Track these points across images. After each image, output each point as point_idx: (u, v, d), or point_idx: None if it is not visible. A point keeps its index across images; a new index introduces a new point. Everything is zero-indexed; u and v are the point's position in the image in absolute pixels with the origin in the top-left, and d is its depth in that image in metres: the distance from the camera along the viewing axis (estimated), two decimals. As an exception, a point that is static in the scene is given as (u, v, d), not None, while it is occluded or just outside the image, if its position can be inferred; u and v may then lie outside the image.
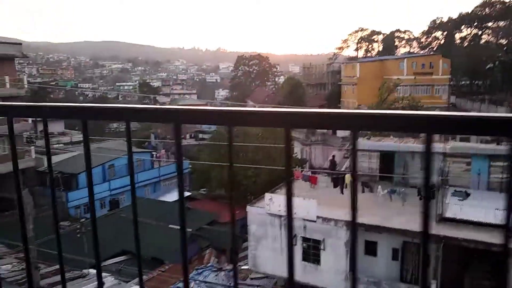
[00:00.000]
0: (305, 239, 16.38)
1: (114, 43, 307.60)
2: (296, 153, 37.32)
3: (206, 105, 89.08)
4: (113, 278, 18.27)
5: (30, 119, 31.89)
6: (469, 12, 72.65)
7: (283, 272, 17.88)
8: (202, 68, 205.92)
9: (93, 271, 18.86)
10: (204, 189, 39.43)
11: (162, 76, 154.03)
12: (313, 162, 34.17)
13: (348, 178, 17.49)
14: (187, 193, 38.90)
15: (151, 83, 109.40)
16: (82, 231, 17.74)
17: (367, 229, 16.59)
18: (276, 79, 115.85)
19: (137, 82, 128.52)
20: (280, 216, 16.68)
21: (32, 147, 30.30)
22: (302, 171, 18.37)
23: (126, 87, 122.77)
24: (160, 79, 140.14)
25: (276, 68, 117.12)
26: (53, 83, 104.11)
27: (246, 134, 36.65)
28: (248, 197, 32.38)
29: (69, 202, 32.26)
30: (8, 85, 28.72)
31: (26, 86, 31.18)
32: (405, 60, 56.86)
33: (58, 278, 16.31)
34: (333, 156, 22.30)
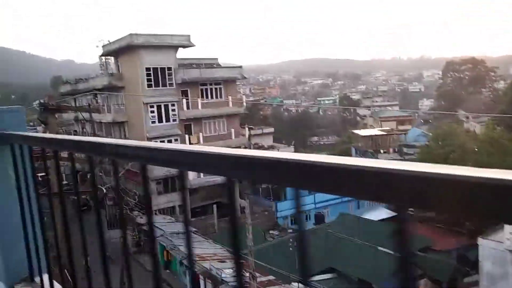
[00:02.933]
0: None
1: (315, 60, 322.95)
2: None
3: (410, 117, 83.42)
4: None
5: (246, 134, 35.17)
6: None
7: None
8: (403, 78, 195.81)
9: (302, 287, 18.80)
10: (412, 209, 36.12)
11: (361, 88, 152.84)
12: None
13: None
14: (391, 213, 36.42)
15: (351, 96, 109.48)
16: (294, 245, 17.94)
17: None
18: (495, 85, 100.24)
19: (337, 96, 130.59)
20: (530, 257, 13.26)
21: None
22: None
23: (326, 101, 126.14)
24: (360, 91, 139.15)
25: (495, 72, 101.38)
26: (262, 100, 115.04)
27: (463, 149, 32.11)
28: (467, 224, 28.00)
29: (277, 211, 34.03)
30: (230, 104, 32.32)
31: (244, 104, 34.58)
32: None
33: (272, 289, 16.79)
34: None
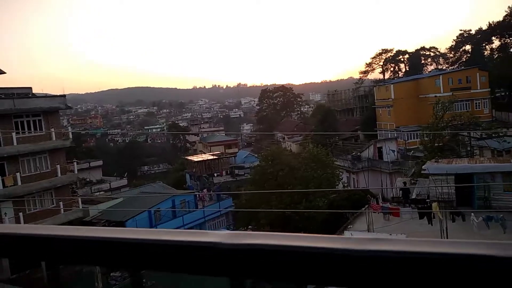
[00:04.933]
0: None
1: (137, 89, 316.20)
2: (346, 182, 35.66)
3: (235, 140, 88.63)
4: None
5: (76, 170, 31.72)
6: (498, 22, 70.80)
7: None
8: (225, 105, 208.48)
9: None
10: (251, 226, 38.03)
11: (187, 116, 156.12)
12: (373, 191, 32.44)
13: (435, 206, 15.98)
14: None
15: (179, 124, 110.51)
16: (148, 286, 16.57)
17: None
18: (302, 109, 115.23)
19: (164, 124, 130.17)
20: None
21: (79, 198, 29.89)
22: (378, 202, 16.89)
23: (154, 130, 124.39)
24: (186, 119, 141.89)
25: (301, 98, 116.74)
26: (84, 132, 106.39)
27: (290, 166, 35.45)
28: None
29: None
30: (54, 137, 28.70)
31: (70, 137, 31.19)
32: (441, 76, 55.25)
33: None
34: (405, 183, 20.73)
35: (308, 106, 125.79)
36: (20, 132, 27.46)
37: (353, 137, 63.18)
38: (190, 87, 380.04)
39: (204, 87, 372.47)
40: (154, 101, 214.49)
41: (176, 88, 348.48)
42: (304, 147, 45.61)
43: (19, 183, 26.57)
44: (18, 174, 26.64)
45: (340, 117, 75.21)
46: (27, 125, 28.23)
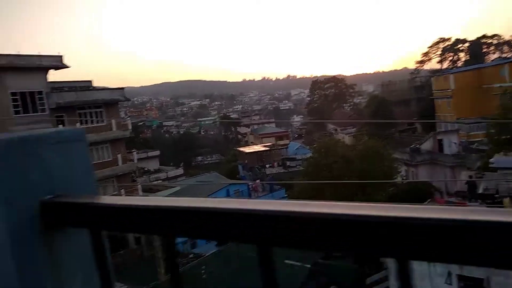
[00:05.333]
0: (462, 278, 13.96)
1: (190, 82, 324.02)
2: (404, 176, 34.39)
3: (286, 132, 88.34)
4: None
5: (135, 159, 33.00)
6: None
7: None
8: (274, 97, 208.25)
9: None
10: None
11: (237, 108, 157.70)
12: (435, 184, 30.98)
13: (507, 202, 14.94)
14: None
15: (230, 116, 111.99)
16: (207, 271, 16.90)
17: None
18: (354, 100, 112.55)
19: (216, 116, 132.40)
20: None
21: (139, 186, 31.16)
22: (442, 197, 16.06)
23: (207, 122, 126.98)
24: (237, 111, 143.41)
25: (353, 89, 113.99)
26: (140, 123, 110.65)
27: (345, 158, 34.70)
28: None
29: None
30: (114, 128, 29.98)
31: (130, 128, 32.45)
32: (506, 65, 51.62)
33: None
34: (470, 177, 19.60)
35: (361, 97, 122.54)
36: (84, 122, 28.97)
37: (410, 129, 60.87)
38: (240, 79, 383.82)
39: (254, 79, 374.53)
40: (206, 93, 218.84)
41: (226, 81, 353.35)
42: (358, 139, 44.43)
43: (84, 171, 28.03)
44: (83, 162, 28.11)
45: (395, 109, 72.66)
46: (90, 116, 29.74)
